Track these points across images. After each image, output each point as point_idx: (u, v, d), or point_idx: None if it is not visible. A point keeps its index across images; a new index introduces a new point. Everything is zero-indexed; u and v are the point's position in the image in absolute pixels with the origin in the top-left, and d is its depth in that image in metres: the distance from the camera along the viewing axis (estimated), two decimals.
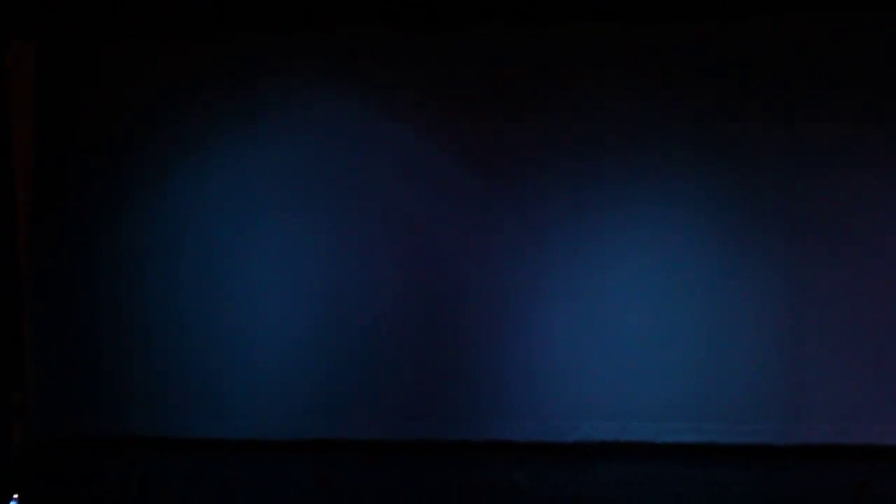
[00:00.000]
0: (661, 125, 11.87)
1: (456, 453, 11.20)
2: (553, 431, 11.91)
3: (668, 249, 11.73)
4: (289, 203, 12.49)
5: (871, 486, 10.09)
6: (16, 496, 8.60)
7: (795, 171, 11.77)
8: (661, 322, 11.76)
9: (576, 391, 11.82)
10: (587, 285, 11.89)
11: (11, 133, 10.53)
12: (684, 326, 11.67)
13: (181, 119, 12.61)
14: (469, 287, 11.98)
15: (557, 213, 12.09)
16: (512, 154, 12.18)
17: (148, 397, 12.51)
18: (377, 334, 12.01)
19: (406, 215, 12.22)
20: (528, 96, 12.10)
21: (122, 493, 9.49)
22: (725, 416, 11.62)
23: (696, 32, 11.74)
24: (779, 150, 11.74)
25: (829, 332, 11.39)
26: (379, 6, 11.33)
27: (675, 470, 11.31)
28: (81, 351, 12.68)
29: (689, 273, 11.70)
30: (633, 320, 11.76)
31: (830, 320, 11.45)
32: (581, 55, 12.01)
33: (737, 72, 11.73)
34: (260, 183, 12.56)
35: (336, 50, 12.31)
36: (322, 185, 12.46)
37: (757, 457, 11.35)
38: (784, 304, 11.82)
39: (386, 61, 12.29)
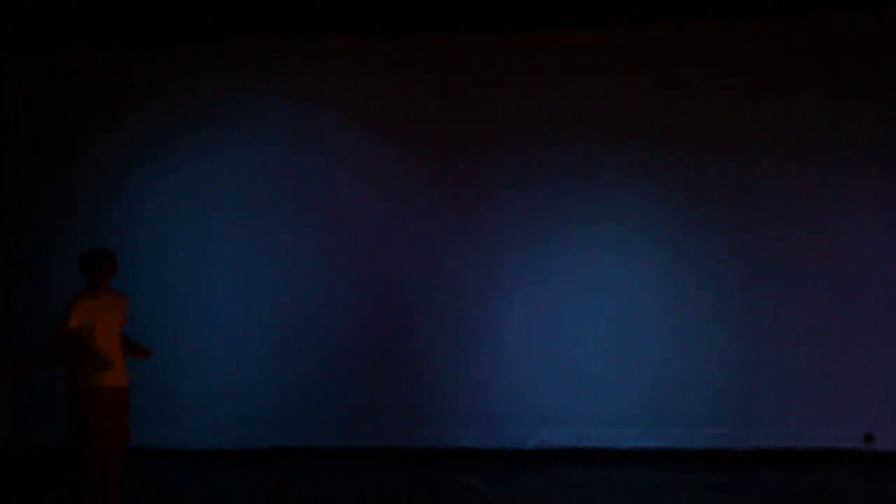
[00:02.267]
0: (615, 122, 11.96)
1: (414, 460, 11.16)
2: (510, 438, 11.91)
3: (624, 253, 11.78)
4: (244, 210, 12.49)
5: (828, 489, 10.13)
6: None
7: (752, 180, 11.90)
8: (617, 328, 11.79)
9: (532, 398, 11.82)
10: (542, 291, 11.91)
11: None
12: (641, 333, 11.69)
13: (136, 126, 12.61)
14: (425, 296, 11.99)
15: (511, 215, 12.13)
16: (467, 161, 12.22)
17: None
18: (334, 343, 11.99)
19: (362, 225, 12.22)
20: (482, 103, 12.17)
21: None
22: (683, 422, 11.65)
23: (648, 35, 11.89)
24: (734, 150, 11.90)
25: (785, 339, 11.48)
26: (336, 16, 11.50)
27: (633, 475, 11.38)
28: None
29: (648, 277, 11.73)
30: (590, 326, 11.78)
31: (786, 328, 11.53)
32: (533, 61, 12.11)
33: (692, 72, 11.88)
34: (215, 189, 12.54)
35: (295, 58, 12.37)
36: (278, 191, 12.45)
37: (715, 461, 11.38)
38: (741, 312, 11.88)
39: (342, 69, 12.34)
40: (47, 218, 12.65)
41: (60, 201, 12.68)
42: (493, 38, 11.95)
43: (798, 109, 11.75)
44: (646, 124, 11.95)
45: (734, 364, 11.49)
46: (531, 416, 11.83)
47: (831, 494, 10.08)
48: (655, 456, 11.61)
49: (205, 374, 12.16)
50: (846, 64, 11.65)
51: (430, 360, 11.75)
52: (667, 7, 11.33)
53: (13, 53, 12.39)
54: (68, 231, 12.54)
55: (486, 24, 11.67)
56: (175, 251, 12.50)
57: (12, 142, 12.63)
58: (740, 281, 11.80)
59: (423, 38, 11.96)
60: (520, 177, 12.11)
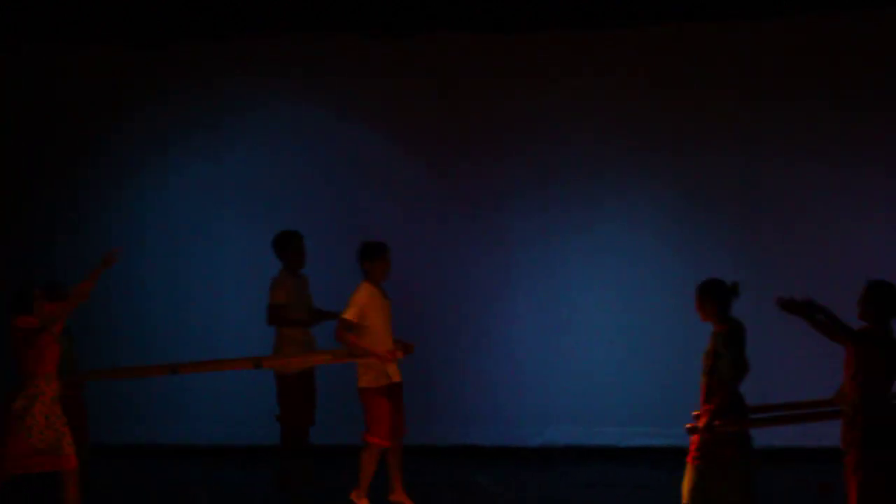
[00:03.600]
0: (620, 121, 12.06)
1: (421, 457, 11.16)
2: (517, 436, 11.96)
3: (632, 252, 11.81)
4: (251, 206, 12.58)
5: (834, 488, 10.09)
6: None
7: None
8: (626, 327, 11.82)
9: (539, 396, 11.87)
10: (550, 289, 11.96)
11: None
12: (650, 332, 11.73)
13: (147, 121, 12.70)
14: (433, 294, 12.02)
15: (518, 213, 12.22)
16: (475, 159, 12.32)
17: (113, 405, 12.42)
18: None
19: (369, 222, 12.21)
20: (486, 102, 12.28)
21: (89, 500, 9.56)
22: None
23: (649, 34, 11.98)
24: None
25: (791, 337, 11.28)
26: (338, 15, 11.64)
27: (640, 473, 11.39)
28: None
29: (654, 275, 11.75)
30: (598, 325, 11.80)
31: (793, 326, 11.35)
32: (540, 62, 12.20)
33: (693, 71, 11.97)
34: (221, 188, 12.64)
35: (297, 57, 12.46)
36: (284, 190, 12.55)
37: None
38: (748, 310, 11.83)
39: (344, 68, 12.44)
40: (48, 217, 12.78)
41: (62, 200, 12.81)
42: (496, 38, 12.05)
43: (799, 107, 11.85)
44: (650, 123, 12.05)
45: None
46: (540, 414, 11.90)
47: (838, 493, 10.07)
48: (663, 454, 11.59)
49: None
50: (848, 63, 11.75)
51: (437, 357, 11.76)
52: (667, 7, 11.48)
53: (13, 53, 12.49)
54: (72, 230, 12.71)
55: (489, 23, 11.80)
56: (183, 248, 12.66)
57: (14, 141, 12.74)
58: (746, 279, 11.71)
59: (425, 38, 12.07)
60: (527, 175, 12.19)
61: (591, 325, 11.75)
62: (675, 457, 11.53)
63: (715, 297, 8.70)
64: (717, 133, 12.01)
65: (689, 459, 8.13)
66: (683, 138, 12.04)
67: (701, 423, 8.31)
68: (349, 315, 9.41)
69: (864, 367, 8.24)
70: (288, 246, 10.50)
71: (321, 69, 12.47)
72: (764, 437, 11.60)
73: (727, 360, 8.65)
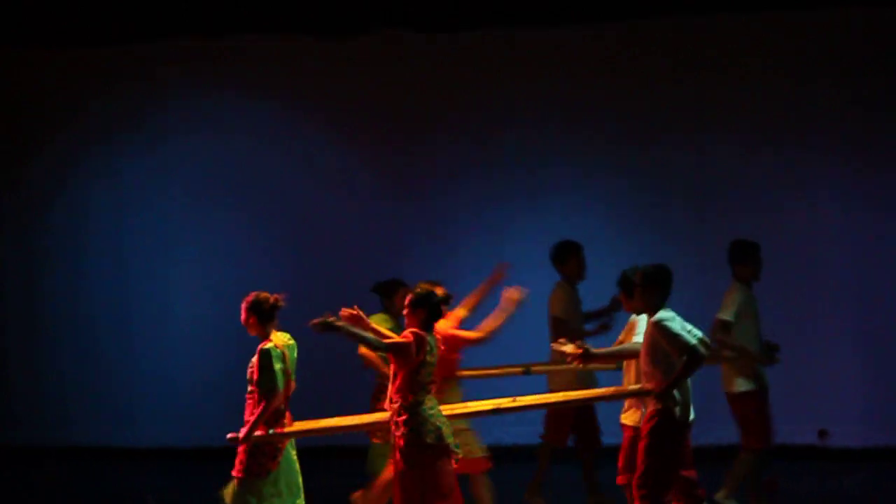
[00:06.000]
0: (567, 111, 12.30)
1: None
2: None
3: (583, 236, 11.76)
4: (199, 203, 12.83)
5: (778, 485, 10.22)
6: None
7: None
8: None
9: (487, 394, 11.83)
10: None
11: None
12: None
13: (90, 118, 12.96)
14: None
15: (464, 203, 12.49)
16: (420, 155, 12.57)
17: (59, 408, 12.80)
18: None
19: (313, 219, 12.64)
20: (435, 100, 12.52)
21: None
22: None
23: (601, 32, 12.23)
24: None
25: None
26: (286, 14, 11.90)
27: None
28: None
29: (602, 267, 11.71)
30: (543, 317, 11.75)
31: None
32: (490, 62, 12.43)
33: (644, 66, 12.22)
34: (170, 183, 12.87)
35: (246, 55, 12.73)
36: (231, 187, 12.82)
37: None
38: (699, 301, 11.94)
39: (292, 67, 12.72)
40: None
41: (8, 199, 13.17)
42: (444, 37, 12.34)
43: (747, 98, 12.14)
44: (602, 113, 12.29)
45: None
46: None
47: (782, 490, 10.26)
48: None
49: (160, 372, 12.49)
50: (794, 55, 12.06)
51: None
52: (616, 7, 11.86)
53: None
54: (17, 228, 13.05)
55: (441, 22, 12.07)
56: (130, 246, 12.94)
57: None
58: (696, 269, 11.81)
59: (369, 37, 12.38)
60: (473, 165, 12.46)
61: (538, 317, 11.57)
62: None
63: None
64: (667, 123, 12.24)
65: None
66: (635, 129, 12.24)
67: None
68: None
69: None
70: (569, 257, 10.53)
71: (274, 68, 12.78)
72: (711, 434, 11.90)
73: None
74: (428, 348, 8.16)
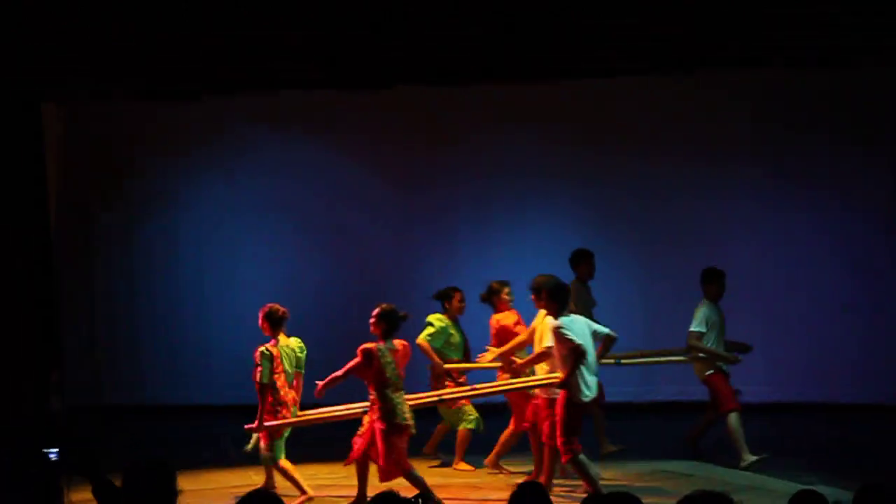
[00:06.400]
0: (545, 161, 14.04)
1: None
2: None
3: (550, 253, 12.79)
4: (263, 222, 14.44)
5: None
6: (56, 450, 9.25)
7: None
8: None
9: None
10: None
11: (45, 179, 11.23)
12: None
13: (179, 160, 14.52)
14: (396, 291, 13.07)
15: (466, 224, 14.29)
16: (432, 180, 14.28)
17: (162, 373, 14.40)
18: (330, 335, 13.26)
19: (348, 238, 14.27)
20: (445, 144, 14.25)
21: (135, 451, 9.14)
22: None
23: (571, 90, 13.62)
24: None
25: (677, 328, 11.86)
26: (322, 70, 11.83)
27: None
28: (102, 340, 14.56)
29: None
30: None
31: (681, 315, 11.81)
32: (485, 109, 14.10)
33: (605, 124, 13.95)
34: (241, 208, 14.48)
35: (300, 107, 14.15)
36: (288, 214, 14.44)
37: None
38: (641, 310, 13.57)
39: (331, 115, 14.20)
40: (107, 236, 14.73)
41: (118, 222, 14.75)
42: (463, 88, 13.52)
43: (667, 116, 13.76)
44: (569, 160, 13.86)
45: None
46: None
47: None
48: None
49: (233, 350, 13.45)
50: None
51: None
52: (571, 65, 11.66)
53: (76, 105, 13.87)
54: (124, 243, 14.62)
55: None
56: (208, 260, 14.59)
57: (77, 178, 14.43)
58: (639, 285, 13.63)
59: (390, 91, 13.10)
60: (479, 196, 14.24)
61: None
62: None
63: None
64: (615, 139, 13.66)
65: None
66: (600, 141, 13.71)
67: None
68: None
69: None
70: (582, 261, 11.22)
71: (315, 117, 14.22)
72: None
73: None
74: (380, 354, 9.19)
